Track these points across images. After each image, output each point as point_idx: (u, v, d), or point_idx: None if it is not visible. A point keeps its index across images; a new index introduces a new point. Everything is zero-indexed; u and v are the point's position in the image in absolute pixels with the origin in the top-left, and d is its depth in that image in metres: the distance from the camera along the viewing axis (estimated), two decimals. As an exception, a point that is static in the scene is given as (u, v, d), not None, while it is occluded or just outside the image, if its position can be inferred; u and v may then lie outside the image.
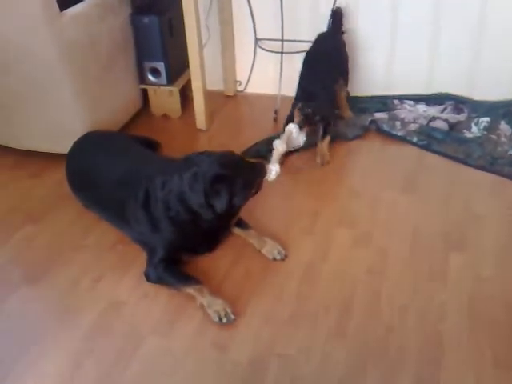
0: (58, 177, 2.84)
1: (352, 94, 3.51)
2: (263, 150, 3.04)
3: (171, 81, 3.43)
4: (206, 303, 2.08)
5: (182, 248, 2.27)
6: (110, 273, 2.33)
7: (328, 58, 3.15)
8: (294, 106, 3.01)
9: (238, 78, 3.81)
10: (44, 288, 2.26)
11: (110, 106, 3.18)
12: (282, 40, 3.41)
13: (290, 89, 3.25)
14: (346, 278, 2.25)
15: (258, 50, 3.61)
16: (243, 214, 2.47)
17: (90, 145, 2.65)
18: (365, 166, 3.01)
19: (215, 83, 3.82)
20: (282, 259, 2.34)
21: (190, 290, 2.14)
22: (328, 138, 3.05)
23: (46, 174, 2.98)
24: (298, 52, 3.43)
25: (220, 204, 2.09)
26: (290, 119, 2.98)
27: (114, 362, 1.94)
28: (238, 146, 3.12)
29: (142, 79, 3.46)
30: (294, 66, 3.48)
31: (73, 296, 2.23)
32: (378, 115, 3.31)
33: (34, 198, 2.81)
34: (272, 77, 3.54)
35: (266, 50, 3.52)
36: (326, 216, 2.60)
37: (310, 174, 2.92)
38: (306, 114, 2.91)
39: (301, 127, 2.88)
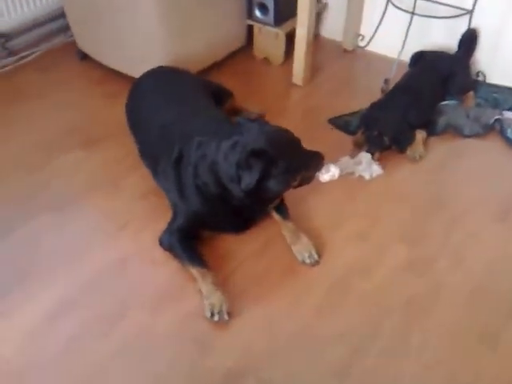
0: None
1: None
2: (353, 125, 2.60)
3: (278, 21, 3.03)
4: (205, 291, 1.84)
5: (204, 222, 2.02)
6: (135, 223, 2.17)
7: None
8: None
9: (361, 32, 3.30)
10: (65, 220, 2.17)
11: (207, 37, 2.90)
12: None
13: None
14: (381, 305, 1.86)
15: (390, 5, 3.05)
16: (288, 200, 2.14)
17: (153, 81, 2.42)
18: (462, 175, 2.44)
19: (334, 32, 3.37)
20: (312, 264, 1.99)
21: (194, 271, 1.90)
22: (424, 133, 2.54)
23: (121, 97, 2.83)
24: (431, 17, 2.82)
25: (247, 179, 1.78)
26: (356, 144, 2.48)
27: (92, 324, 1.81)
28: (331, 111, 2.74)
29: (250, 14, 3.11)
30: (424, 31, 2.93)
31: (90, 238, 2.12)
32: (508, 114, 2.65)
33: (98, 121, 2.71)
34: (399, 38, 2.98)
35: (397, 7, 2.94)
36: (386, 226, 2.16)
37: (385, 173, 2.42)
38: (369, 137, 2.43)
39: (372, 154, 2.39)
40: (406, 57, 2.96)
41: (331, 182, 2.26)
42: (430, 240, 2.11)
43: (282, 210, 2.12)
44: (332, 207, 2.24)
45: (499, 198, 2.28)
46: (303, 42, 2.84)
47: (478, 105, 2.75)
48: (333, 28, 3.37)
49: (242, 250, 2.06)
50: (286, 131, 1.93)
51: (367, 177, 2.33)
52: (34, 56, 3.14)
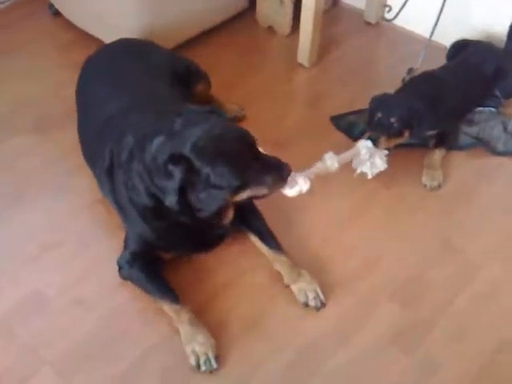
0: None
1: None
2: (358, 129, 2.11)
3: (285, -18, 2.48)
4: (183, 335, 1.51)
5: (157, 245, 1.62)
6: (69, 242, 1.78)
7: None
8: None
9: (388, 2, 2.71)
10: None
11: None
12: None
13: (449, 37, 2.30)
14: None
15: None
16: (274, 222, 1.74)
17: (106, 59, 1.94)
18: (488, 208, 1.93)
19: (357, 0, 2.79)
20: (317, 308, 1.61)
21: (166, 308, 1.56)
22: (443, 151, 2.02)
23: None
24: None
25: (169, 191, 1.38)
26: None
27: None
28: (336, 104, 2.26)
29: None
30: (463, 6, 2.35)
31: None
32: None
33: (59, 97, 2.27)
34: (433, 13, 2.41)
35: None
36: (377, 274, 1.72)
37: (402, 194, 1.96)
38: (371, 121, 1.89)
39: (375, 143, 1.78)
40: (441, 38, 2.42)
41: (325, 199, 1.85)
42: (426, 299, 1.66)
43: (269, 239, 1.71)
44: (337, 234, 1.84)
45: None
46: (310, 12, 2.30)
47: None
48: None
49: (224, 271, 1.71)
50: (238, 132, 1.44)
51: (368, 173, 1.75)
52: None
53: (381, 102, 1.92)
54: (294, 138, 2.11)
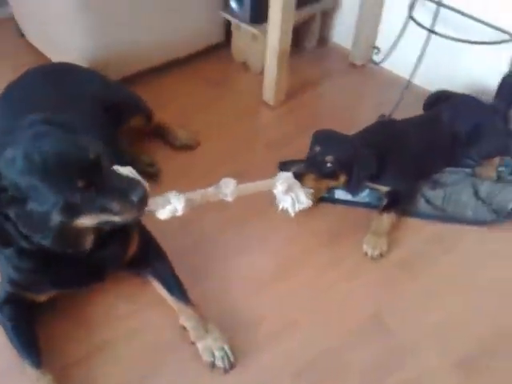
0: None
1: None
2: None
3: (256, 18, 2.28)
4: None
5: (24, 286, 1.40)
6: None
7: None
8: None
9: (377, 43, 2.49)
10: None
11: (160, 28, 2.28)
12: (438, 3, 2.00)
13: (436, 84, 2.08)
14: None
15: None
16: (186, 266, 1.55)
17: (24, 84, 1.77)
18: (439, 282, 1.62)
19: (343, 38, 2.59)
20: (226, 369, 1.38)
21: (27, 369, 1.34)
22: (392, 216, 1.73)
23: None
24: (456, 40, 1.93)
25: None
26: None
27: None
28: (294, 149, 2.01)
29: (226, 5, 2.40)
30: (455, 56, 2.13)
31: None
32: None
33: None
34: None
35: (416, 23, 2.09)
36: (284, 349, 1.43)
37: (341, 257, 1.69)
38: (313, 157, 1.67)
39: (300, 179, 1.51)
40: (428, 85, 2.20)
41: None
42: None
43: (174, 289, 1.49)
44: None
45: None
46: (274, 50, 2.11)
47: (498, 178, 1.89)
48: (342, 34, 2.59)
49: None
50: (72, 148, 1.17)
51: (289, 210, 1.45)
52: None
53: (323, 137, 1.70)
54: (244, 174, 1.88)
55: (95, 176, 1.16)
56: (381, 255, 1.65)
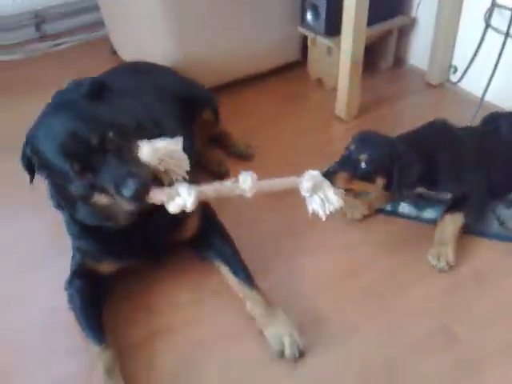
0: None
1: None
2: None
3: (332, 31, 2.32)
4: (95, 381, 1.33)
5: (88, 254, 1.49)
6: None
7: None
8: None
9: (454, 62, 2.45)
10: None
11: (237, 41, 2.38)
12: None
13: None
14: None
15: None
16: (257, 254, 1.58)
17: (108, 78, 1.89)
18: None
19: (419, 59, 2.57)
20: (295, 359, 1.35)
21: (90, 345, 1.39)
22: (457, 218, 1.62)
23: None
24: None
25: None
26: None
27: None
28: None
29: (303, 20, 2.46)
30: None
31: None
32: None
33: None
34: (499, 77, 2.10)
35: (495, 30, 2.06)
36: (347, 349, 1.40)
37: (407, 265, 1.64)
38: (348, 156, 1.57)
39: (331, 178, 1.41)
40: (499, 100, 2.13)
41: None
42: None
43: (240, 272, 1.48)
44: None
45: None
46: (346, 64, 2.14)
47: None
48: (418, 54, 2.58)
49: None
50: (89, 122, 1.23)
51: (320, 211, 1.33)
52: (67, 45, 2.87)
53: (362, 137, 1.61)
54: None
55: (95, 161, 1.21)
56: (449, 266, 1.56)
